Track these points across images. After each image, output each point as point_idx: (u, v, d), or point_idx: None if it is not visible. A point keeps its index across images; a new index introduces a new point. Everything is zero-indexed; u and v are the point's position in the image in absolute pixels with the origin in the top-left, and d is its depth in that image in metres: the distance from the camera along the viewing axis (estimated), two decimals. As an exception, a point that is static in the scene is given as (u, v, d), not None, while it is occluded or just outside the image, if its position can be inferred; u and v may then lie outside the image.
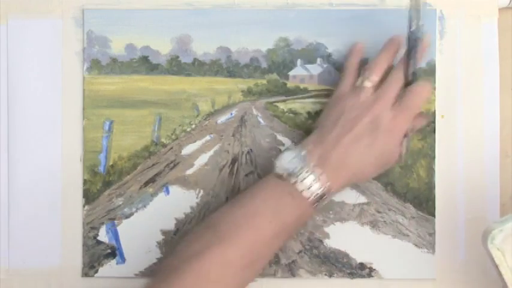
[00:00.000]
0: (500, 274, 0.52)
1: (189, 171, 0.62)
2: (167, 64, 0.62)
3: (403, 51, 0.57)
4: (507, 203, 0.61)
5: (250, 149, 0.62)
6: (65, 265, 0.61)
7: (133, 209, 0.61)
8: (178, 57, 0.62)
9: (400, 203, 0.61)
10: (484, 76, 0.61)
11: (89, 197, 0.61)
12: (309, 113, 0.62)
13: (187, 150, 0.62)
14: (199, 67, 0.62)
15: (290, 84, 0.62)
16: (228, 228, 0.52)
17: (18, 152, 0.61)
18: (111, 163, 0.61)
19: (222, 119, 0.62)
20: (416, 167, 0.61)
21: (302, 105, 0.62)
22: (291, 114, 0.62)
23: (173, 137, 0.62)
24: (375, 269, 0.61)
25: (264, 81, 0.62)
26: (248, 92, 0.62)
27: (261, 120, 0.62)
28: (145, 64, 0.62)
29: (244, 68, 0.62)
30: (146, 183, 0.61)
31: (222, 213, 0.54)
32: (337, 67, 0.61)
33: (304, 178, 0.53)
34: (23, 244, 0.61)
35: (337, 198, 0.61)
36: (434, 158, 0.61)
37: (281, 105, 0.62)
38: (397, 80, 0.56)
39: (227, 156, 0.62)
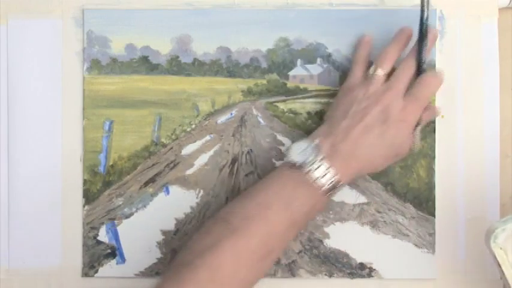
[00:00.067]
0: (502, 273, 0.53)
1: (189, 171, 0.62)
2: (167, 64, 0.62)
3: (411, 44, 0.57)
4: (507, 203, 0.61)
5: (250, 149, 0.62)
6: (65, 265, 0.61)
7: (133, 209, 0.61)
8: (178, 57, 0.62)
9: (400, 203, 0.61)
10: (484, 76, 0.61)
11: (89, 197, 0.61)
12: (309, 113, 0.62)
13: (187, 150, 0.62)
14: (199, 67, 0.62)
15: (290, 84, 0.62)
16: (240, 220, 0.51)
17: (18, 152, 0.61)
18: (111, 163, 0.61)
19: (222, 119, 0.62)
20: (416, 167, 0.61)
21: (302, 105, 0.62)
22: (291, 114, 0.62)
23: (173, 137, 0.62)
24: (375, 269, 0.61)
25: (264, 81, 0.62)
26: (248, 92, 0.62)
27: (261, 120, 0.62)
28: (145, 64, 0.62)
29: (244, 68, 0.62)
30: (146, 183, 0.61)
31: (234, 206, 0.54)
32: (337, 67, 0.62)
33: (318, 167, 0.53)
34: (23, 244, 0.61)
35: (337, 198, 0.61)
36: (434, 158, 0.61)
37: (281, 105, 0.62)
38: (408, 69, 0.56)
39: (227, 156, 0.62)
